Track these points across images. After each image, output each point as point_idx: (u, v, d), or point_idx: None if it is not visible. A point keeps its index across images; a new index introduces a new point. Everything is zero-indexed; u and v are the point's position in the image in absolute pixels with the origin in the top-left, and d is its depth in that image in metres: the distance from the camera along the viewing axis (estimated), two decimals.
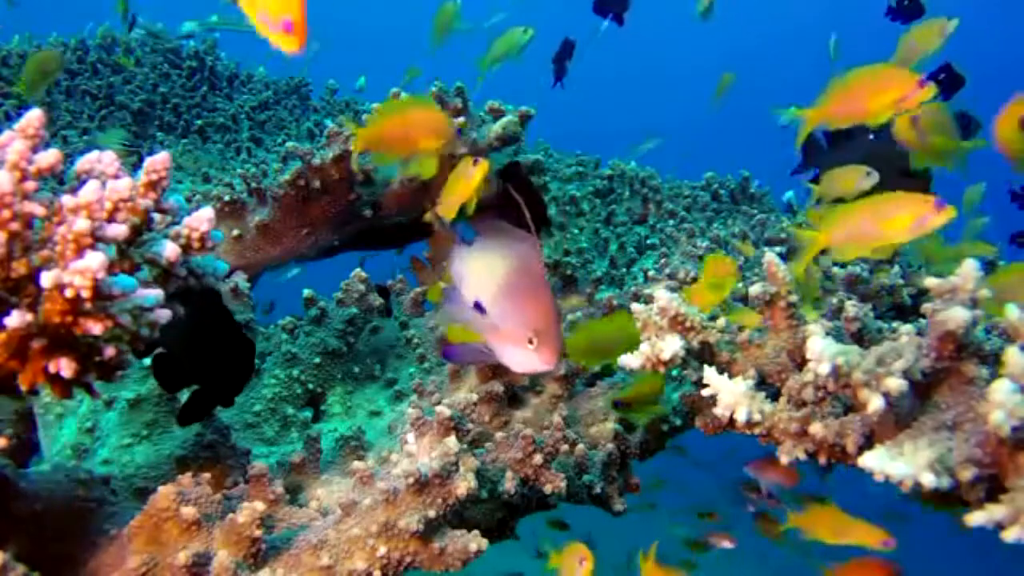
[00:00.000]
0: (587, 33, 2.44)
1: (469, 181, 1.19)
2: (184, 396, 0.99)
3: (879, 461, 0.70)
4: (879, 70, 1.08)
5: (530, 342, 0.75)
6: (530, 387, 1.21)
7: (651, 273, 1.58)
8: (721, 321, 0.94)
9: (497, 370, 1.18)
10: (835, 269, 1.44)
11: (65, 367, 0.66)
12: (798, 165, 1.83)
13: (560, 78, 2.31)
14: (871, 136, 1.61)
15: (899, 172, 1.72)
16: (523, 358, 0.76)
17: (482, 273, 0.81)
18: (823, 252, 1.06)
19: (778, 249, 1.64)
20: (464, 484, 0.81)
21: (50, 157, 0.66)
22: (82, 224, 0.64)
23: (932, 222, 0.94)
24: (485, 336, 0.80)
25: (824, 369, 0.75)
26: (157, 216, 0.74)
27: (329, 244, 1.61)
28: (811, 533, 1.30)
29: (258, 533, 0.80)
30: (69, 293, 0.63)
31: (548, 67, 2.35)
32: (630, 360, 0.88)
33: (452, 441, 0.83)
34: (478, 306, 0.80)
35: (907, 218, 0.95)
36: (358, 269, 1.42)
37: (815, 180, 1.98)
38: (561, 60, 2.28)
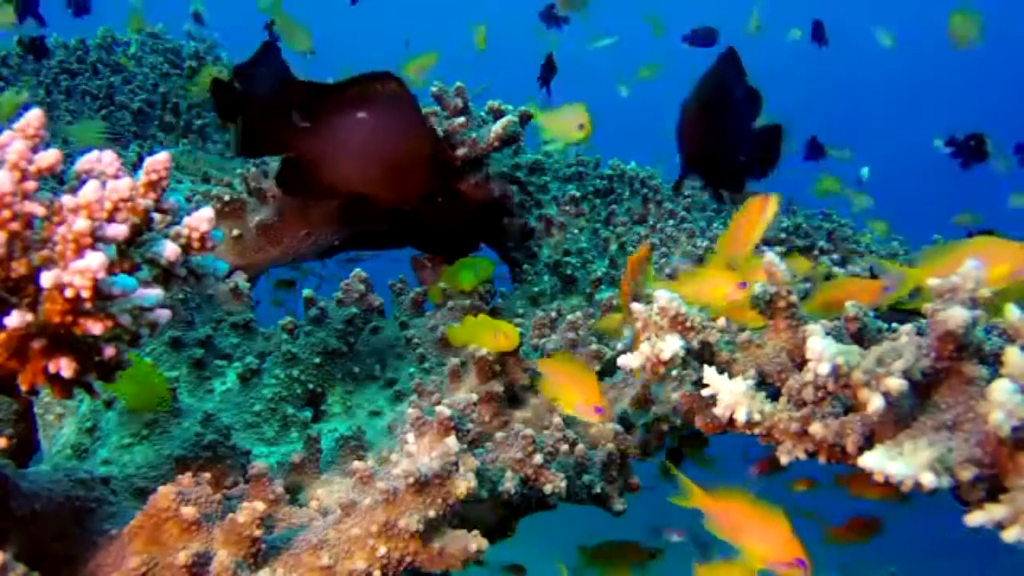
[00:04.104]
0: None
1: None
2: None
3: (879, 461, 0.70)
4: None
5: None
6: (530, 387, 1.21)
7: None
8: (721, 321, 0.94)
9: (497, 370, 1.18)
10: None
11: (65, 367, 0.66)
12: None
13: (546, 86, 2.48)
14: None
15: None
16: None
17: None
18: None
19: (779, 249, 1.64)
20: (464, 484, 0.81)
21: (50, 157, 0.66)
22: (82, 224, 0.64)
23: None
24: None
25: (824, 369, 0.75)
26: (157, 216, 0.74)
27: (329, 244, 1.62)
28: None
29: (258, 533, 0.80)
30: (69, 293, 0.63)
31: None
32: (630, 360, 0.88)
33: (452, 441, 0.83)
34: None
35: (1005, 269, 0.87)
36: (358, 269, 1.42)
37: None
38: (546, 77, 2.47)
